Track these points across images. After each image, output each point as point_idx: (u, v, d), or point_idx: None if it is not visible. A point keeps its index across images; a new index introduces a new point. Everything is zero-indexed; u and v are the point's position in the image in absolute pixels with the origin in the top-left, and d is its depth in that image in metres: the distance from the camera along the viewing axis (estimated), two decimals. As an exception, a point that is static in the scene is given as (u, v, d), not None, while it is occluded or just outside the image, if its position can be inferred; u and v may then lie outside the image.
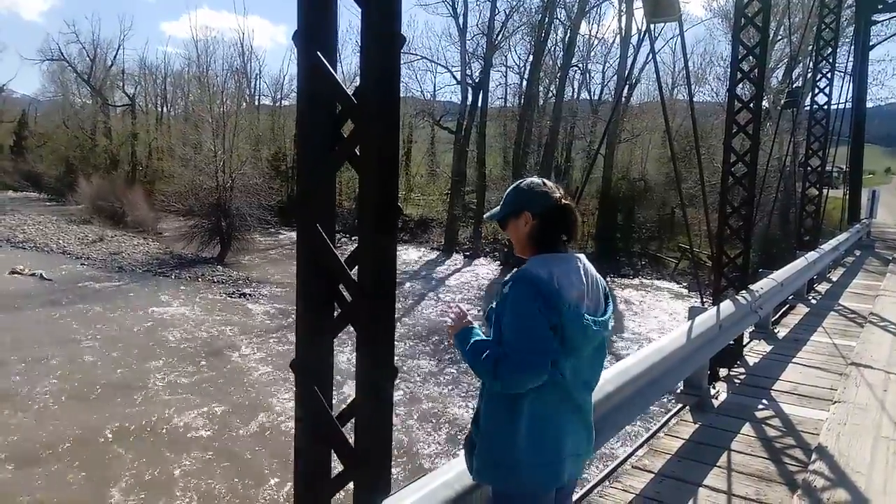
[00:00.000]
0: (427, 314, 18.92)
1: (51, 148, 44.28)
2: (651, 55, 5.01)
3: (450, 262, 27.56)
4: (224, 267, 23.64)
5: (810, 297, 9.82)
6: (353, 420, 2.04)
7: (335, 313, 2.12)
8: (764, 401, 5.36)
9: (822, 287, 10.78)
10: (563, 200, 2.03)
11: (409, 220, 33.59)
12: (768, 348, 7.01)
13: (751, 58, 6.28)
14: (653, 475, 3.98)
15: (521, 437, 1.94)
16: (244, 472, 8.79)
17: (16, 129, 50.21)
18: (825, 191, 13.03)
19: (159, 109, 46.10)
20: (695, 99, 30.81)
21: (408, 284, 23.18)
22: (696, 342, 4.69)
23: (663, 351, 4.20)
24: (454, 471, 2.28)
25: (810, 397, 5.47)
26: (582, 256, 2.05)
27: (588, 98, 37.64)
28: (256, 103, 43.40)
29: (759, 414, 5.09)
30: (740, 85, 6.47)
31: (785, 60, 22.57)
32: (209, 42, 54.03)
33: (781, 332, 7.80)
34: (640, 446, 4.53)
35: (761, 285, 6.77)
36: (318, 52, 1.91)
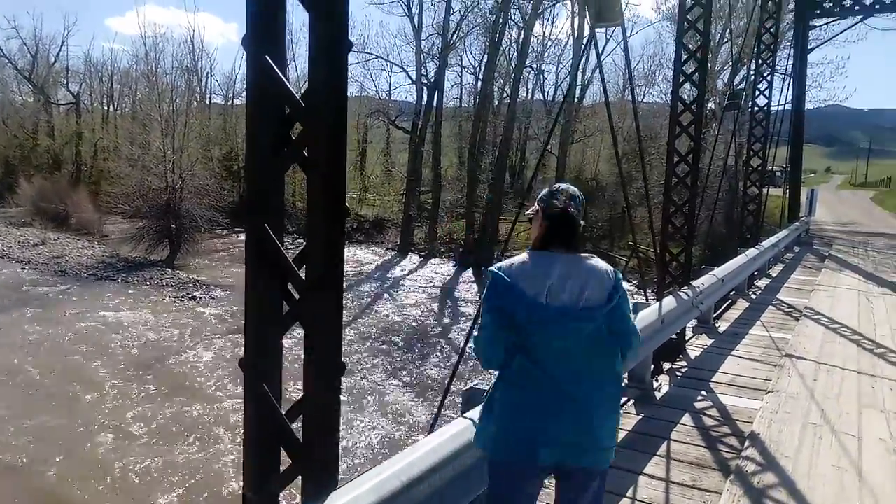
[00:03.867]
0: (382, 314, 18.92)
1: (-11, 148, 42.52)
2: (597, 58, 5.18)
3: (405, 262, 27.57)
4: (173, 270, 23.12)
5: (751, 293, 10.24)
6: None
7: (284, 311, 2.18)
8: (703, 392, 5.60)
9: (763, 282, 11.24)
10: (561, 209, 2.25)
11: (365, 221, 33.46)
12: (709, 342, 7.30)
13: (693, 61, 6.54)
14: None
15: (494, 416, 2.24)
16: (189, 476, 8.67)
17: (-50, 127, 48.05)
18: (766, 190, 13.60)
19: (105, 108, 44.75)
20: (646, 100, 31.64)
21: (364, 285, 23.14)
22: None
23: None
24: (402, 462, 2.36)
25: (746, 388, 5.74)
26: (568, 256, 2.22)
27: (542, 98, 38.27)
28: (208, 102, 42.55)
29: (699, 405, 5.32)
30: (684, 87, 6.73)
31: (730, 63, 23.37)
32: (157, 39, 52.51)
33: (722, 326, 8.13)
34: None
35: (702, 281, 7.06)
36: (267, 56, 1.97)
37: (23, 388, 11.27)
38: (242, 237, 21.20)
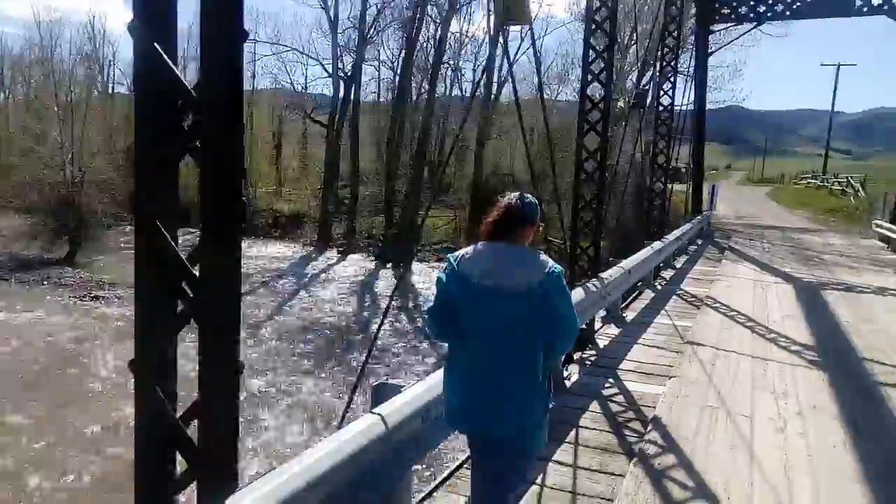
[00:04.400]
0: (298, 311, 18.57)
1: None
2: (507, 60, 5.24)
3: (323, 257, 27.14)
4: (74, 268, 21.83)
5: (657, 283, 10.69)
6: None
7: (178, 310, 2.08)
8: (611, 379, 5.81)
9: (668, 273, 11.77)
10: (501, 208, 2.56)
11: (281, 216, 32.67)
12: (617, 331, 7.58)
13: (600, 60, 6.74)
14: (505, 456, 4.20)
15: (445, 380, 2.63)
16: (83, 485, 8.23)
17: None
18: (671, 185, 14.25)
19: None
20: (560, 98, 32.49)
21: (280, 281, 22.64)
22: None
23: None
24: (305, 463, 2.31)
25: (651, 374, 5.99)
26: (500, 245, 2.50)
27: (460, 95, 38.51)
28: (111, 91, 40.33)
29: (606, 391, 5.52)
30: (593, 86, 6.93)
31: (638, 64, 24.33)
32: (53, 24, 49.21)
33: (629, 315, 8.45)
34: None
35: (610, 273, 7.31)
36: (156, 44, 1.86)
37: None
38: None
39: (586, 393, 5.43)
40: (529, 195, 2.64)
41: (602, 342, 7.08)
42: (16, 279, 19.88)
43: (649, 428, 4.65)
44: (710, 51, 17.86)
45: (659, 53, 12.64)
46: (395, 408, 2.93)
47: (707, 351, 6.65)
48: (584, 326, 6.73)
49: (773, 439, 4.54)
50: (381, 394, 3.08)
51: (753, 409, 5.09)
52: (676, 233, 12.72)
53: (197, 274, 2.01)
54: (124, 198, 26.18)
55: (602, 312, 8.35)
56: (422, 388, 3.17)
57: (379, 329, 4.12)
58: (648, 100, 11.83)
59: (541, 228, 2.72)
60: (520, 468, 2.61)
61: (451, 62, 30.08)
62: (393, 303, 20.96)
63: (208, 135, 1.90)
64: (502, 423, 2.45)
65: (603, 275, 7.14)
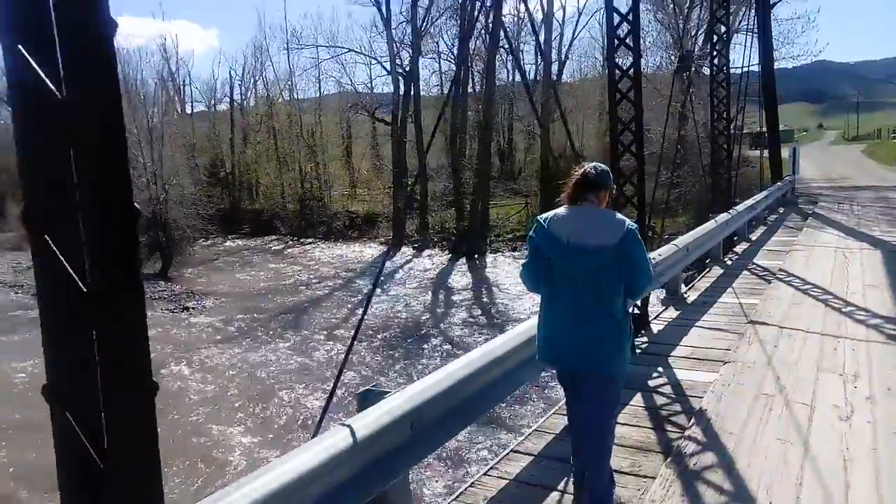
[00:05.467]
0: (374, 309, 18.76)
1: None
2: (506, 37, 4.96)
3: (398, 255, 27.41)
4: (167, 282, 23.08)
5: (727, 259, 10.03)
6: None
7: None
8: (659, 368, 5.43)
9: (742, 247, 11.02)
10: (579, 175, 3.01)
11: (356, 217, 33.30)
12: (675, 314, 7.12)
13: (626, 24, 6.30)
14: (532, 457, 3.98)
15: (539, 322, 3.10)
16: None
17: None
18: (738, 152, 13.27)
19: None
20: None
21: (357, 282, 23.02)
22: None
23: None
24: (258, 480, 2.20)
25: (705, 360, 5.56)
26: (583, 208, 2.96)
27: (522, 79, 37.80)
28: (190, 110, 42.38)
29: (653, 382, 5.15)
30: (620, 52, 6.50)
31: (704, 26, 22.98)
32: (132, 51, 52.25)
33: (692, 295, 7.93)
34: (532, 431, 4.53)
35: (660, 252, 6.85)
36: (20, 46, 1.75)
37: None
38: (237, 243, 21.21)
39: (630, 385, 5.05)
40: (602, 164, 3.15)
41: (657, 327, 6.66)
42: (113, 296, 21.16)
43: (692, 422, 4.28)
44: (773, 2, 16.51)
45: (705, 9, 11.77)
46: (376, 416, 2.77)
47: (770, 330, 6.11)
48: (635, 311, 6.36)
49: (835, 430, 4.07)
50: (366, 400, 2.94)
51: (816, 395, 4.61)
52: (749, 202, 11.88)
53: (94, 289, 1.89)
54: (206, 211, 27.56)
55: (661, 293, 7.90)
56: (412, 391, 3.01)
57: (361, 321, 3.96)
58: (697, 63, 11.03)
59: (613, 192, 3.18)
60: (610, 393, 3.00)
61: (505, 46, 29.45)
62: (470, 295, 20.94)
63: (82, 141, 1.78)
64: (589, 356, 2.91)
65: (651, 254, 6.69)
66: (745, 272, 9.04)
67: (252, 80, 39.06)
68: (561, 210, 3.02)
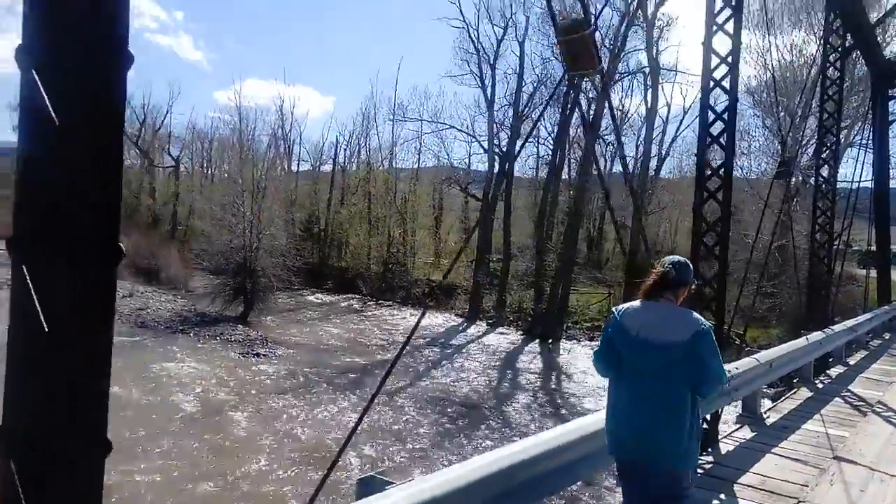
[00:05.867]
0: (438, 381, 18.46)
1: (100, 206, 46.11)
2: (575, 106, 4.85)
3: (472, 329, 27.16)
4: (245, 326, 23.72)
5: (817, 382, 9.15)
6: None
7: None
8: (722, 496, 4.87)
9: (836, 370, 10.07)
10: (657, 274, 3.11)
11: (436, 286, 33.49)
12: (750, 435, 6.46)
13: (720, 122, 6.06)
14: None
15: (607, 413, 3.18)
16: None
17: (70, 187, 52.78)
18: (840, 268, 12.35)
19: (205, 171, 47.91)
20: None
21: (426, 350, 22.83)
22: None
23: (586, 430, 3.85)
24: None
25: (776, 494, 4.94)
26: (658, 304, 3.06)
27: (622, 170, 37.62)
28: (296, 168, 44.73)
29: (712, 510, 4.60)
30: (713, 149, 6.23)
31: (815, 138, 22.13)
32: (250, 110, 56.27)
33: (772, 417, 7.22)
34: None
35: (739, 365, 6.30)
36: (34, 70, 1.74)
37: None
38: (320, 297, 21.59)
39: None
40: (683, 258, 3.23)
41: (727, 447, 6.05)
42: (194, 333, 21.96)
43: (750, 566, 3.73)
44: (891, 118, 15.66)
45: (818, 118, 11.24)
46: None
47: (858, 471, 5.38)
48: (704, 426, 5.82)
49: None
50: (367, 489, 2.70)
51: (905, 556, 3.94)
52: (849, 322, 10.92)
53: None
54: (293, 263, 28.50)
55: (737, 410, 7.25)
56: (420, 486, 2.74)
57: (384, 378, 3.74)
58: (805, 172, 10.49)
59: (693, 288, 3.27)
60: (673, 491, 3.01)
61: (605, 137, 29.55)
62: (537, 380, 20.28)
63: (75, 172, 1.71)
64: (651, 451, 2.95)
65: (728, 366, 6.16)
66: (836, 399, 8.19)
67: (357, 146, 40.92)
68: (636, 303, 3.12)
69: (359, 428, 3.59)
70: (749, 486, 5.10)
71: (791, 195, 16.87)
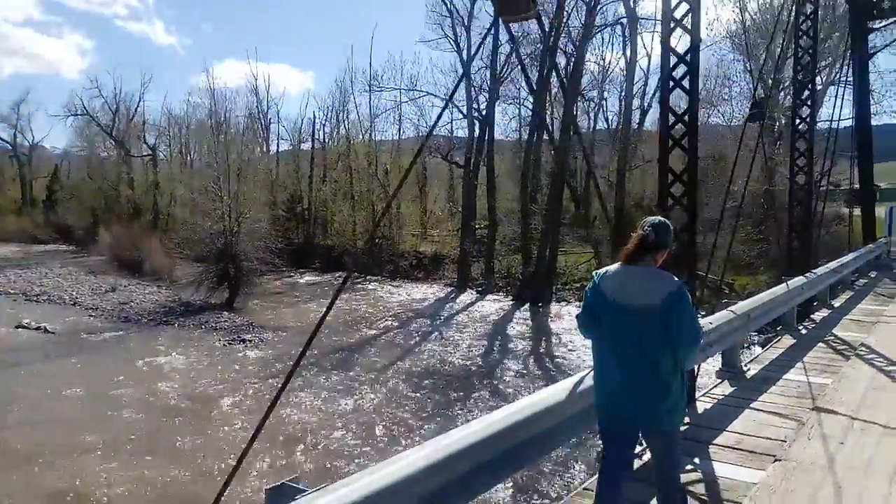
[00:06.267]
0: (427, 352, 18.23)
1: (78, 200, 45.44)
2: (516, 55, 4.45)
3: (461, 298, 26.93)
4: (231, 312, 23.39)
5: (801, 328, 8.90)
6: None
7: None
8: (696, 459, 4.59)
9: (821, 314, 9.83)
10: (637, 239, 3.12)
11: (424, 257, 33.18)
12: (729, 390, 6.21)
13: (682, 65, 5.65)
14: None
15: (594, 376, 3.32)
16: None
17: (49, 183, 51.95)
18: (824, 209, 12.02)
19: (183, 157, 47.02)
20: (711, 121, 29.93)
21: (415, 322, 22.61)
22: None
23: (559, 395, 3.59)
24: None
25: (753, 453, 4.68)
26: (636, 267, 3.09)
27: (606, 127, 37.03)
28: (276, 148, 43.96)
29: (684, 477, 4.32)
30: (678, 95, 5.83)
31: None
32: (226, 91, 55.24)
33: (754, 369, 6.96)
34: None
35: (713, 319, 6.00)
36: None
37: (45, 433, 11.26)
38: (307, 279, 21.24)
39: (655, 478, 4.28)
40: (664, 219, 3.21)
41: (704, 405, 5.79)
42: (179, 323, 21.63)
43: (719, 536, 3.47)
44: (870, 52, 15.18)
45: (792, 54, 10.80)
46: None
47: (838, 421, 5.12)
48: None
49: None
50: (278, 500, 2.37)
51: (886, 513, 3.68)
52: (832, 265, 10.66)
53: None
54: (276, 245, 28.07)
55: (716, 364, 6.99)
56: (336, 495, 2.39)
57: (308, 343, 3.41)
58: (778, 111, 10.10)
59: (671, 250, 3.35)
60: (667, 449, 3.23)
61: (585, 93, 28.95)
62: (526, 344, 20.09)
63: None
64: (645, 414, 3.07)
65: (703, 321, 5.87)
66: (820, 344, 7.94)
67: (336, 120, 40.17)
68: (614, 266, 3.17)
69: (262, 427, 3.26)
70: (726, 446, 4.83)
71: (775, 138, 16.51)
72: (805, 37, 10.49)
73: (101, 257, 35.49)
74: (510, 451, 3.22)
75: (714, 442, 4.90)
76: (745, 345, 14.13)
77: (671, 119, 5.78)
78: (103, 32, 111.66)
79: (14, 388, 14.03)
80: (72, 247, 42.03)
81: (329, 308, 3.51)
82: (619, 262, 3.15)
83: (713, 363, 7.36)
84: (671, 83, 5.72)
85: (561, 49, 26.31)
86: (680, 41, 5.92)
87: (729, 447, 4.81)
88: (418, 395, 14.14)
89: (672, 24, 5.63)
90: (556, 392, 3.67)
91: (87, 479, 9.70)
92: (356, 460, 10.53)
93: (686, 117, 5.66)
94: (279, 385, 12.86)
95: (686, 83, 5.63)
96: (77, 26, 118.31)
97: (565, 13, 23.89)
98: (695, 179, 5.66)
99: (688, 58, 5.62)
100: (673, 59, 5.74)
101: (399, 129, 38.51)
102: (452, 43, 29.17)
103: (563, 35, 25.82)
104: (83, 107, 46.54)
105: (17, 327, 20.38)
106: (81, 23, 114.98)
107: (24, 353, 16.99)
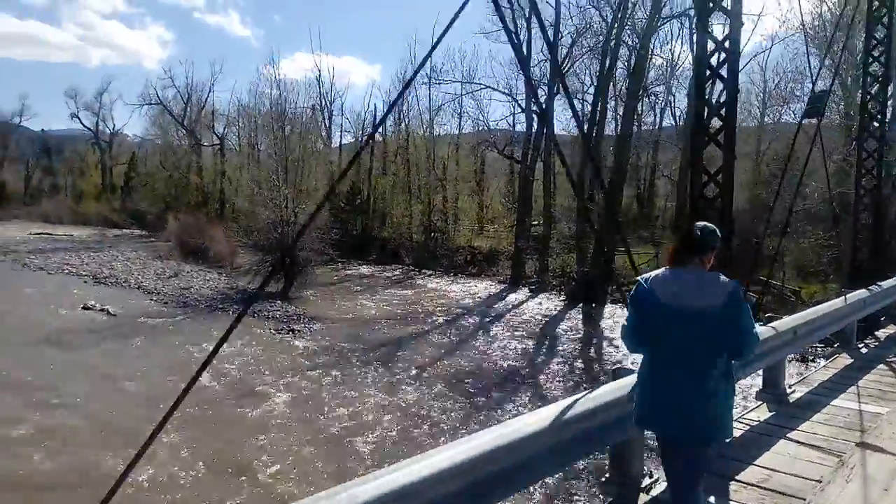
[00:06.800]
0: (474, 350, 17.94)
1: (151, 187, 47.35)
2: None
3: (513, 296, 26.51)
4: (284, 302, 23.74)
5: (861, 345, 8.12)
6: None
7: None
8: (711, 498, 4.12)
9: (887, 332, 8.97)
10: (681, 238, 3.09)
11: (478, 253, 32.86)
12: (766, 415, 5.65)
13: (720, 52, 5.11)
14: None
15: (637, 388, 3.20)
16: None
17: (126, 170, 54.39)
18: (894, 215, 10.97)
19: (251, 147, 48.25)
20: (782, 120, 28.33)
21: (465, 319, 22.38)
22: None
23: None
24: None
25: (780, 494, 4.18)
26: (686, 270, 2.97)
27: (673, 124, 35.67)
28: (339, 140, 44.47)
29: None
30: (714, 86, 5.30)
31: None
32: (293, 83, 56.13)
33: (799, 391, 6.34)
34: None
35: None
36: None
37: (82, 419, 11.60)
38: (357, 270, 21.22)
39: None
40: (710, 224, 3.09)
41: (735, 432, 5.22)
42: (233, 310, 22.08)
43: None
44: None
45: (863, 44, 9.82)
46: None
47: (886, 462, 4.53)
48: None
49: None
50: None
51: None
52: (899, 279, 9.70)
53: None
54: (331, 237, 28.36)
55: (754, 384, 6.42)
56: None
57: (200, 371, 3.17)
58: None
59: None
60: (704, 458, 3.08)
61: (648, 89, 27.84)
62: (574, 346, 19.50)
63: None
64: (688, 423, 2.93)
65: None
66: (880, 366, 7.20)
67: (397, 113, 40.24)
68: (663, 270, 3.05)
69: (165, 422, 3.04)
70: (750, 484, 4.34)
71: (852, 137, 15.31)
72: (880, 25, 9.51)
73: (168, 243, 36.83)
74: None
75: (737, 477, 4.42)
76: (810, 357, 13.22)
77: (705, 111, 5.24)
78: (183, 24, 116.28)
79: (76, 368, 14.60)
80: (144, 232, 43.86)
81: (222, 341, 3.23)
82: (665, 267, 3.05)
83: (752, 382, 6.77)
84: (707, 71, 5.18)
85: (624, 42, 25.39)
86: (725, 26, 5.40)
87: (753, 485, 4.32)
88: (457, 393, 13.88)
89: (710, 3, 5.09)
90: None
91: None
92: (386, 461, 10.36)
93: (723, 111, 5.12)
94: (318, 376, 12.83)
95: (724, 71, 5.08)
96: (158, 18, 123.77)
97: (630, 3, 22.96)
98: (731, 180, 5.13)
99: (726, 44, 5.08)
100: (711, 45, 5.19)
101: (459, 123, 38.21)
102: (512, 35, 28.52)
103: (626, 27, 24.92)
104: (157, 96, 48.51)
105: (83, 308, 21.32)
106: (162, 14, 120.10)
107: (85, 335, 17.71)
